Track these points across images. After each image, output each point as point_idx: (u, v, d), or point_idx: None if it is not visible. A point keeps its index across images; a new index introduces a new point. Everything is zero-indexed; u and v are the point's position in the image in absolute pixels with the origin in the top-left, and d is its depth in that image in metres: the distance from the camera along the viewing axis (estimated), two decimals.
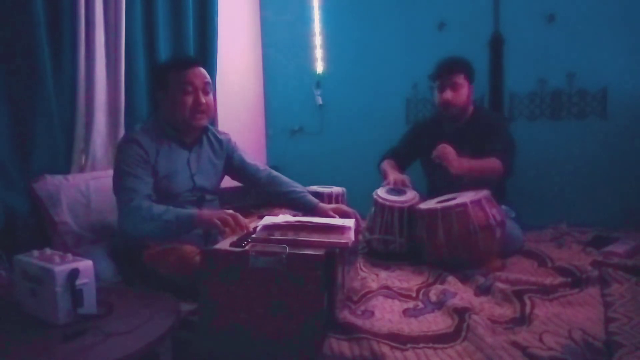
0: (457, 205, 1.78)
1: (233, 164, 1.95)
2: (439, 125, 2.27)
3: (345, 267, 1.45)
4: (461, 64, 2.15)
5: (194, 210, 1.65)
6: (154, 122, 1.79)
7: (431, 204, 1.89)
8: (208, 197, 1.85)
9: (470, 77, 2.15)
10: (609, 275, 1.62)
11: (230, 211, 1.57)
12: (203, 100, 1.72)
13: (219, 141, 1.92)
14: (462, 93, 2.12)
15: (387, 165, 2.29)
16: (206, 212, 1.64)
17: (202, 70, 1.75)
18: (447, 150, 1.93)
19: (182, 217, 1.59)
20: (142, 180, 1.65)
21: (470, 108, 2.19)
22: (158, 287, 1.50)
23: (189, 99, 1.70)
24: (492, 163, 1.96)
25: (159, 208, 1.59)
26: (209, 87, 1.76)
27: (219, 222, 1.51)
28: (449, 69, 2.13)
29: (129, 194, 1.61)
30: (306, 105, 3.13)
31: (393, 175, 2.16)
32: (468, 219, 1.75)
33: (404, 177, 2.14)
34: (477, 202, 1.78)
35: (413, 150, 2.34)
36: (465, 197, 1.82)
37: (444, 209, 1.79)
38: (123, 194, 1.64)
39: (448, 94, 2.11)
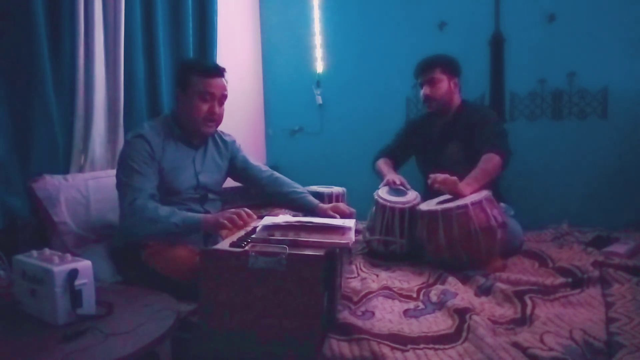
0: (458, 207, 1.77)
1: (237, 165, 1.96)
2: (428, 122, 2.30)
3: (342, 267, 1.44)
4: (437, 59, 2.19)
5: (200, 215, 1.65)
6: (163, 120, 1.82)
7: (432, 204, 1.88)
8: (211, 196, 1.86)
9: (449, 71, 2.17)
10: (609, 276, 1.62)
11: (233, 210, 1.57)
12: (217, 110, 1.76)
13: (224, 142, 1.94)
14: (440, 87, 2.16)
15: (382, 164, 2.30)
16: (211, 215, 1.64)
17: (224, 81, 1.79)
18: (443, 179, 1.84)
19: (189, 220, 1.59)
20: (147, 179, 1.65)
21: (457, 102, 2.21)
22: (158, 287, 1.50)
23: (205, 107, 1.74)
24: (491, 161, 1.95)
25: (164, 210, 1.59)
26: (225, 99, 1.80)
27: (226, 222, 1.51)
28: (425, 66, 2.19)
29: (133, 193, 1.61)
30: (306, 105, 3.12)
31: (390, 175, 2.16)
32: (469, 220, 1.74)
33: (401, 178, 2.14)
34: (478, 203, 1.77)
35: (406, 149, 2.36)
36: (466, 198, 1.81)
37: (444, 211, 1.78)
38: (127, 192, 1.63)
39: (426, 90, 2.18)
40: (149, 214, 1.57)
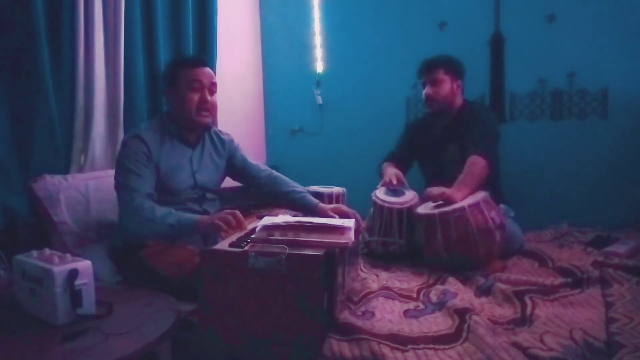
0: (455, 210, 1.76)
1: (235, 164, 1.96)
2: (429, 123, 2.29)
3: (346, 268, 1.44)
4: (441, 59, 2.18)
5: (195, 215, 1.65)
6: (159, 120, 1.82)
7: (429, 207, 1.88)
8: (209, 195, 1.85)
9: (452, 72, 2.16)
10: (609, 276, 1.62)
11: (229, 210, 1.57)
12: (209, 98, 1.76)
13: (222, 141, 1.94)
14: (443, 88, 2.14)
15: (385, 166, 2.29)
16: (206, 216, 1.64)
17: (210, 70, 1.80)
18: (437, 192, 1.87)
19: (184, 221, 1.59)
20: (144, 179, 1.65)
21: (459, 103, 2.19)
22: (158, 287, 1.50)
23: (196, 96, 1.74)
24: (477, 165, 1.92)
25: (161, 210, 1.59)
26: (215, 88, 1.80)
27: (221, 223, 1.51)
28: (428, 66, 2.18)
29: (130, 193, 1.62)
30: (306, 105, 3.12)
31: (388, 172, 2.16)
32: (467, 222, 1.73)
33: (399, 174, 2.14)
34: (475, 206, 1.77)
35: (410, 152, 2.35)
36: (463, 201, 1.80)
37: (442, 214, 1.77)
38: (125, 192, 1.64)
39: (428, 89, 2.17)
40: (145, 214, 1.57)
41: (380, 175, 2.29)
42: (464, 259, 1.76)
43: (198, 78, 1.75)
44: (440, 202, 1.87)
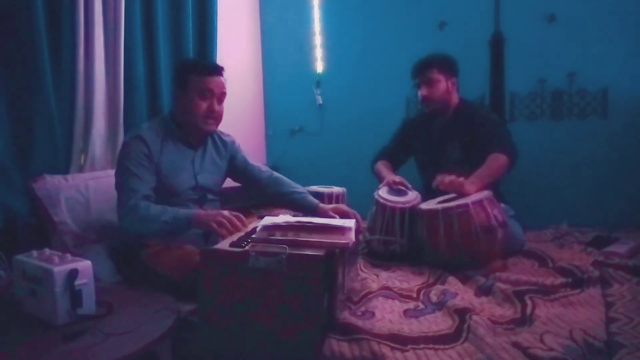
0: (459, 206, 1.77)
1: (236, 166, 1.96)
2: (427, 122, 2.29)
3: (346, 268, 1.44)
4: (434, 59, 2.16)
5: (191, 211, 1.65)
6: (161, 120, 1.82)
7: (432, 204, 1.88)
8: (210, 196, 1.86)
9: (446, 70, 2.15)
10: (609, 276, 1.62)
11: (226, 212, 1.57)
12: (217, 108, 1.76)
13: (223, 142, 1.94)
14: (438, 87, 2.13)
15: (381, 166, 2.29)
16: (203, 213, 1.64)
17: (223, 80, 1.79)
18: (450, 180, 1.87)
19: (180, 217, 1.60)
20: (143, 181, 1.66)
21: (455, 101, 2.19)
22: (158, 287, 1.50)
23: (204, 105, 1.74)
24: (497, 161, 1.94)
25: (156, 209, 1.60)
26: (224, 97, 1.80)
27: (215, 225, 1.52)
28: (421, 67, 2.16)
29: (128, 194, 1.63)
30: (306, 105, 3.12)
31: (390, 176, 2.16)
32: (469, 219, 1.74)
33: (401, 178, 2.14)
34: (478, 203, 1.77)
35: (405, 149, 2.35)
36: (466, 198, 1.81)
37: (445, 210, 1.78)
38: (123, 192, 1.65)
39: (424, 90, 2.15)
40: (141, 213, 1.58)
41: (374, 171, 2.29)
42: (465, 256, 1.77)
43: (210, 87, 1.74)
44: (444, 197, 1.88)
